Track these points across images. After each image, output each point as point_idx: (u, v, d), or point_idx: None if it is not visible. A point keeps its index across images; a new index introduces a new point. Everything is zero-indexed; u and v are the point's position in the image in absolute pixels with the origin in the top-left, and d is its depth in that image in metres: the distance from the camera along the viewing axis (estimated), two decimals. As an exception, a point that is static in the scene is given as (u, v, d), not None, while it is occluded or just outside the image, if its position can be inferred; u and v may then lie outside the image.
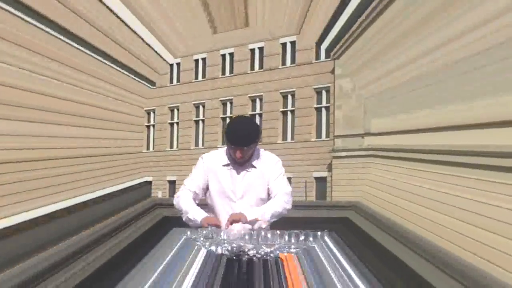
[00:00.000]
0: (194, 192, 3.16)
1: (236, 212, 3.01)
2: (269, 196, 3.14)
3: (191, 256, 2.40)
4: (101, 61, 3.70)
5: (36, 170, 2.68)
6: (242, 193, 3.13)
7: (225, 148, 3.19)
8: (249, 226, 2.92)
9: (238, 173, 3.14)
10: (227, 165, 3.15)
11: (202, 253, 2.43)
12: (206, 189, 3.21)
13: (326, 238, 2.57)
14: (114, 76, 4.07)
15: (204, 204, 3.19)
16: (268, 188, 3.15)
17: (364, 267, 2.32)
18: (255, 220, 2.93)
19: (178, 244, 2.55)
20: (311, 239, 2.54)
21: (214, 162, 3.18)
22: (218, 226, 2.89)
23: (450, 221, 2.48)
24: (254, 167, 3.15)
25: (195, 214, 3.02)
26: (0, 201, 2.40)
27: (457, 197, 2.51)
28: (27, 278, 2.19)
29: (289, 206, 3.10)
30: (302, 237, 2.55)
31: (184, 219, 3.07)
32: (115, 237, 3.19)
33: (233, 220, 2.87)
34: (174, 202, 3.18)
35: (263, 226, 2.94)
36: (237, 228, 2.88)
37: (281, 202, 3.06)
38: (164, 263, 2.28)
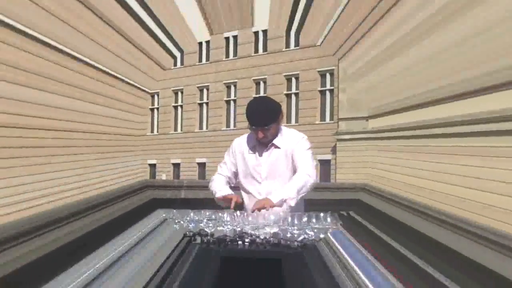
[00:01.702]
0: (227, 176, 3.26)
1: (262, 193, 3.07)
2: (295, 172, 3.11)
3: (167, 236, 2.38)
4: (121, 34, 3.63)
5: (28, 138, 2.65)
6: (266, 174, 3.14)
7: None
8: (279, 209, 2.86)
9: (262, 154, 3.16)
10: (253, 147, 3.19)
11: (179, 234, 2.41)
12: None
13: (341, 219, 2.53)
14: (126, 54, 4.02)
15: (237, 187, 3.28)
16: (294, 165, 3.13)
17: (387, 243, 2.30)
18: (282, 201, 2.88)
19: (158, 224, 2.54)
20: (321, 221, 2.50)
21: (242, 145, 3.24)
22: (228, 204, 2.94)
23: (462, 190, 2.48)
24: (278, 147, 3.14)
25: (222, 192, 3.08)
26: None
27: (467, 166, 2.51)
28: (3, 239, 2.18)
29: (312, 179, 3.03)
30: (305, 219, 2.51)
31: (216, 201, 3.13)
32: (95, 214, 3.18)
33: (258, 209, 2.81)
34: (209, 186, 3.27)
35: (292, 204, 2.91)
36: (267, 212, 2.81)
37: (303, 175, 3.01)
38: (138, 240, 2.27)
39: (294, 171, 3.11)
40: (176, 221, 2.57)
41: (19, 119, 2.52)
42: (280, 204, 2.87)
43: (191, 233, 2.46)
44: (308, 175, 3.02)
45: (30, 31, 2.51)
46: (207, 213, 2.64)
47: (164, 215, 2.65)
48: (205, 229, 2.49)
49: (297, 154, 3.11)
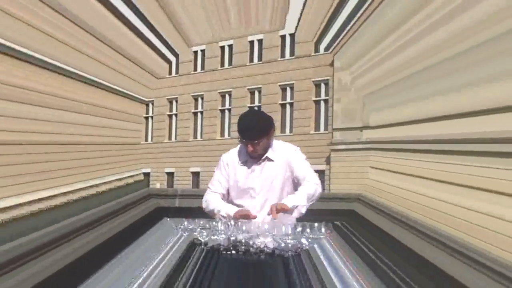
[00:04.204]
0: (221, 193, 3.17)
1: (256, 206, 3.02)
2: (297, 184, 3.09)
3: (178, 246, 2.38)
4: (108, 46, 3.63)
5: (27, 154, 2.64)
6: (260, 188, 3.10)
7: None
8: (289, 216, 2.86)
9: (255, 168, 3.12)
10: (245, 161, 3.13)
11: (188, 242, 2.42)
12: None
13: (334, 230, 2.54)
14: (120, 64, 4.02)
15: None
16: (294, 177, 3.10)
17: (374, 258, 2.30)
18: (294, 207, 2.87)
19: (167, 233, 2.54)
20: (315, 231, 2.50)
21: (232, 161, 3.17)
22: (251, 218, 2.86)
23: (455, 209, 2.47)
24: (271, 160, 3.11)
25: (228, 210, 3.00)
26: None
27: (460, 186, 2.50)
28: (11, 258, 2.17)
29: (320, 188, 3.03)
30: (299, 229, 2.51)
31: (217, 219, 3.03)
32: (104, 225, 3.16)
33: (277, 210, 2.77)
34: (203, 206, 3.17)
35: (303, 211, 2.91)
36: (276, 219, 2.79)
37: (312, 184, 3.00)
38: (151, 251, 2.27)
39: (293, 183, 3.10)
40: (184, 229, 2.58)
41: (14, 136, 2.53)
42: (292, 210, 2.86)
43: (200, 241, 2.47)
44: (316, 184, 3.01)
45: (21, 48, 2.52)
46: (201, 222, 2.64)
47: (171, 223, 2.65)
48: (199, 238, 2.49)
49: (297, 165, 3.09)
